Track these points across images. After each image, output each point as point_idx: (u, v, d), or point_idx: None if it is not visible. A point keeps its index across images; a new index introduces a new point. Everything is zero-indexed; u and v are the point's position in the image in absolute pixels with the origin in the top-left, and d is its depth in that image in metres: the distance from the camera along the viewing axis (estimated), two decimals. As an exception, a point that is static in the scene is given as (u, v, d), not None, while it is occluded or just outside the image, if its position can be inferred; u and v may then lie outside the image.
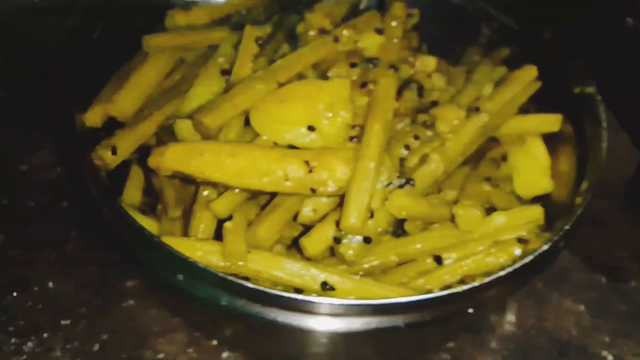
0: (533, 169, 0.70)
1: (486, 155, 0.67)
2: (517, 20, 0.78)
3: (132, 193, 0.64)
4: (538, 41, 0.75)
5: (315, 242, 0.52)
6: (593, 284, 0.74)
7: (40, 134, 0.84)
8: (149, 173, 0.61)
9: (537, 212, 0.57)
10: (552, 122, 0.70)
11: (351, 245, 0.52)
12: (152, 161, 0.53)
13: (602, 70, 0.87)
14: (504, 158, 0.71)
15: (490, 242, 0.55)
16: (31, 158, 0.82)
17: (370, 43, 0.64)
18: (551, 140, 0.72)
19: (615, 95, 0.87)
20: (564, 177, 0.70)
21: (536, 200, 0.69)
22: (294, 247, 0.58)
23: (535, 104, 0.75)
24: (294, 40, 0.67)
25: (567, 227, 0.51)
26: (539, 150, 0.71)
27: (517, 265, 0.47)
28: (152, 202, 0.65)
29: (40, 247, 0.73)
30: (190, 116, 0.57)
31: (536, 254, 0.48)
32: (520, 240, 0.54)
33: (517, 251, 0.53)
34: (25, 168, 0.81)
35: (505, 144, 0.71)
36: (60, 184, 0.80)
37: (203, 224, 0.54)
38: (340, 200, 0.56)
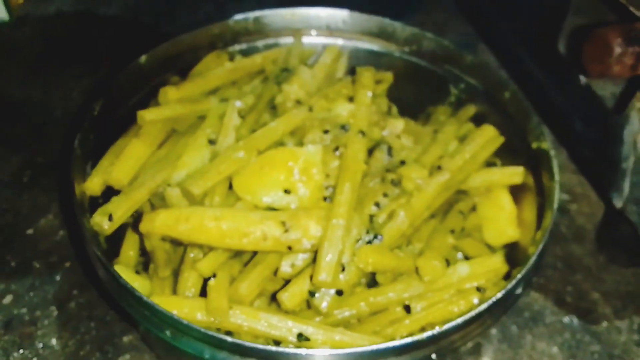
0: (500, 218, 0.75)
1: (453, 207, 0.73)
2: (481, 81, 0.85)
3: (128, 254, 0.69)
4: (500, 100, 0.81)
5: (292, 296, 0.57)
6: (566, 326, 0.78)
7: (45, 200, 0.91)
8: (143, 236, 0.66)
9: (498, 262, 0.62)
10: (515, 174, 0.75)
11: (325, 297, 0.57)
12: (143, 227, 0.59)
13: (563, 124, 0.94)
14: (474, 209, 0.77)
15: (453, 290, 0.60)
16: (37, 223, 0.89)
17: (342, 110, 0.71)
18: (518, 191, 0.78)
19: (576, 147, 0.93)
20: (529, 226, 0.75)
21: (506, 247, 0.75)
22: (275, 300, 0.63)
23: (501, 157, 0.81)
24: (274, 110, 0.74)
25: (520, 275, 0.56)
26: (505, 201, 0.76)
27: (472, 314, 0.51)
28: (146, 262, 0.70)
29: (44, 306, 0.78)
30: (179, 183, 0.64)
31: (490, 302, 0.53)
32: (479, 289, 0.58)
33: (475, 299, 0.57)
34: (32, 232, 0.88)
35: (474, 196, 0.77)
36: (63, 246, 0.86)
37: (190, 282, 0.59)
38: (315, 255, 0.61)
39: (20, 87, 1.11)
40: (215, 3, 1.38)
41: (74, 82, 1.11)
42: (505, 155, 0.80)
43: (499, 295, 0.53)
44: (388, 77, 0.87)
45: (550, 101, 0.93)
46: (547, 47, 0.91)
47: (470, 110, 0.85)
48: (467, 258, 0.69)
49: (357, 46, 0.93)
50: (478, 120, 0.84)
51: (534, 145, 0.75)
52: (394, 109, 0.82)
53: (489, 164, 0.79)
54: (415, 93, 0.91)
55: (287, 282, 0.62)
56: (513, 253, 0.73)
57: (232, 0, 1.39)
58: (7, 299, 0.79)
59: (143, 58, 0.79)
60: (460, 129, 0.80)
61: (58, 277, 0.82)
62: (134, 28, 1.28)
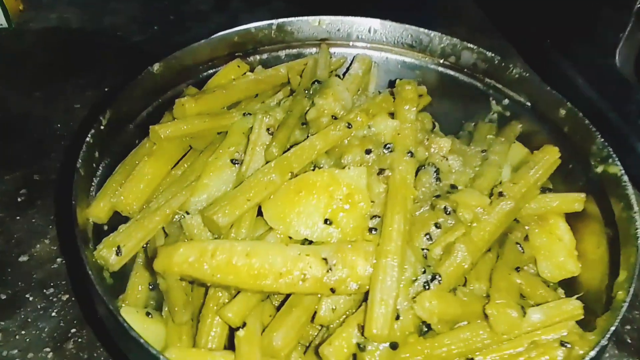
0: (558, 250, 0.67)
1: (508, 238, 0.64)
2: (529, 97, 0.77)
3: (136, 289, 0.60)
4: (552, 118, 0.73)
5: (337, 351, 0.48)
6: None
7: (42, 222, 0.82)
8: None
9: (575, 308, 0.52)
10: (575, 201, 0.67)
11: (375, 352, 0.48)
12: (159, 264, 0.49)
13: (617, 143, 0.86)
14: (526, 238, 0.68)
15: (527, 342, 0.50)
16: (32, 248, 0.79)
17: (384, 128, 0.62)
18: (574, 220, 0.69)
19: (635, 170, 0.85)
20: (592, 260, 0.66)
21: (562, 283, 0.66)
22: (308, 347, 0.54)
23: (553, 181, 0.72)
24: (305, 125, 0.66)
25: (613, 327, 0.46)
26: (563, 230, 0.68)
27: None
28: (159, 297, 0.61)
29: (38, 347, 0.69)
30: (200, 211, 0.54)
31: (584, 361, 0.43)
32: (563, 343, 0.49)
33: (560, 356, 0.48)
34: (26, 259, 0.78)
35: (526, 224, 0.68)
36: (61, 275, 0.77)
37: (213, 331, 0.50)
38: (362, 297, 0.52)
39: (19, 99, 1.02)
40: (228, 14, 1.31)
41: (77, 95, 1.03)
42: (558, 179, 0.72)
43: (592, 353, 0.44)
44: (424, 92, 0.79)
45: (602, 119, 0.84)
46: (599, 61, 0.83)
47: (517, 128, 0.77)
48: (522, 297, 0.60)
49: (388, 57, 0.85)
50: (523, 140, 0.76)
51: (599, 169, 0.66)
52: (437, 127, 0.74)
53: (543, 189, 0.70)
54: (451, 109, 0.84)
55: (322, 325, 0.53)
56: (572, 289, 0.64)
57: (245, 11, 1.32)
58: (-4, 338, 0.69)
59: (156, 66, 0.71)
60: (512, 151, 0.71)
61: (54, 313, 0.72)
62: (142, 39, 1.20)
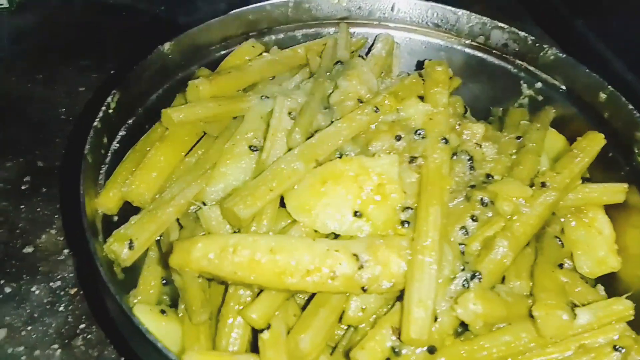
0: (597, 244, 0.63)
1: (546, 231, 0.59)
2: (565, 80, 0.72)
3: (149, 285, 0.56)
4: (591, 103, 0.68)
5: (370, 355, 0.44)
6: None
7: (47, 211, 0.78)
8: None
9: (626, 309, 0.48)
10: (616, 192, 0.63)
11: (412, 357, 0.44)
12: (175, 260, 0.45)
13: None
14: (562, 231, 0.64)
15: (575, 346, 0.46)
16: (37, 239, 0.76)
17: (415, 112, 0.58)
18: (614, 211, 0.64)
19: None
20: (634, 255, 0.62)
21: (600, 279, 0.62)
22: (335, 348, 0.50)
23: (590, 170, 0.68)
24: (328, 110, 0.61)
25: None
26: (603, 223, 0.64)
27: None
28: (172, 292, 0.57)
29: (45, 344, 0.65)
30: (219, 202, 0.50)
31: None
32: (616, 348, 0.45)
33: (615, 361, 0.44)
34: (31, 250, 0.74)
35: (562, 217, 0.63)
36: (68, 267, 0.73)
37: (235, 332, 0.46)
38: (393, 296, 0.48)
39: (20, 81, 0.98)
40: (239, -5, 1.25)
41: (80, 77, 0.99)
42: (597, 168, 0.67)
43: (654, 361, 0.40)
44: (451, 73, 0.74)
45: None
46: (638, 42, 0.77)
47: (550, 113, 0.72)
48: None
49: (411, 38, 0.80)
50: (555, 126, 0.72)
51: (643, 156, 0.62)
52: (469, 111, 0.69)
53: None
54: (478, 93, 0.79)
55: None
56: (611, 288, 0.60)
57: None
58: (0, 334, 0.66)
59: (167, 45, 0.67)
60: (549, 138, 0.66)
61: (62, 308, 0.69)
62: (148, 19, 1.15)
